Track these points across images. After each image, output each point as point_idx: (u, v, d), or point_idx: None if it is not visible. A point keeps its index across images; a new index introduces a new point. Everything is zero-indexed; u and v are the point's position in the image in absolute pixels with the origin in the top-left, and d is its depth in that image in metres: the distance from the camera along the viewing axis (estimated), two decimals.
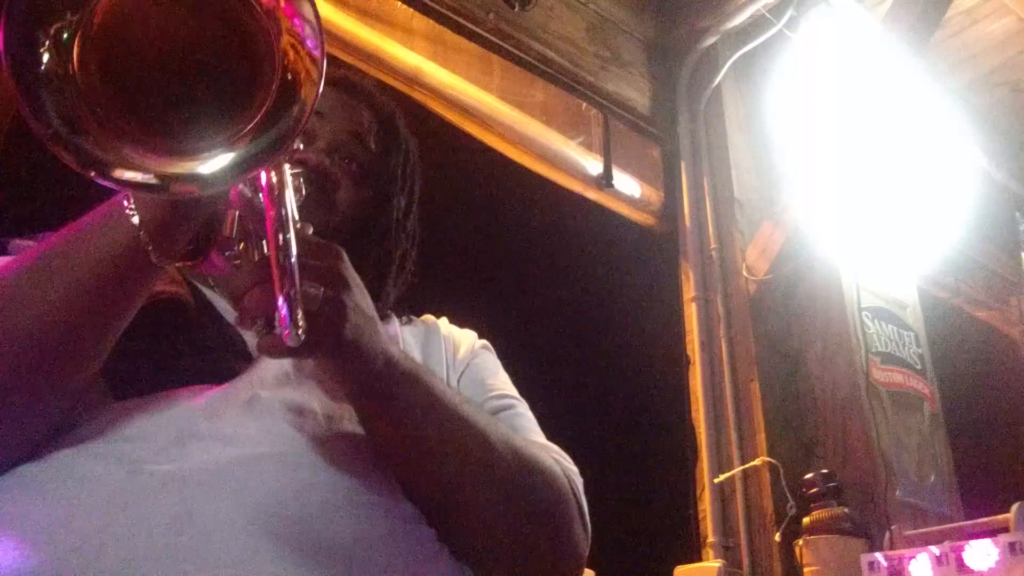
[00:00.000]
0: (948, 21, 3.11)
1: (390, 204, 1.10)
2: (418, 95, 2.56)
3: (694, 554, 2.61)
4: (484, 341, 1.12)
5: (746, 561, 2.47)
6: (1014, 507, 1.97)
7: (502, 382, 1.07)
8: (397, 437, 0.82)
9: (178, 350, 0.83)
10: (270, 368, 0.85)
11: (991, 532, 1.97)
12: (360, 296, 0.77)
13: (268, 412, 0.80)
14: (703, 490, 2.65)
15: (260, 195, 0.71)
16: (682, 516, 2.71)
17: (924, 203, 3.14)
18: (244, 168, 0.63)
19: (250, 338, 0.87)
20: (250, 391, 0.81)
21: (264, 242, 0.72)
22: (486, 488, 0.84)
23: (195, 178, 0.62)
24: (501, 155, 2.79)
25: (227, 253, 0.77)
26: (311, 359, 0.77)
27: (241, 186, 0.71)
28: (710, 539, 2.56)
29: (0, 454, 0.73)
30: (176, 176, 0.62)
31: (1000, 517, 2.00)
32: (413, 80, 2.55)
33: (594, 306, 3.29)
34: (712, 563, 2.48)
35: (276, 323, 0.69)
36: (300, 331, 0.67)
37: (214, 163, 0.62)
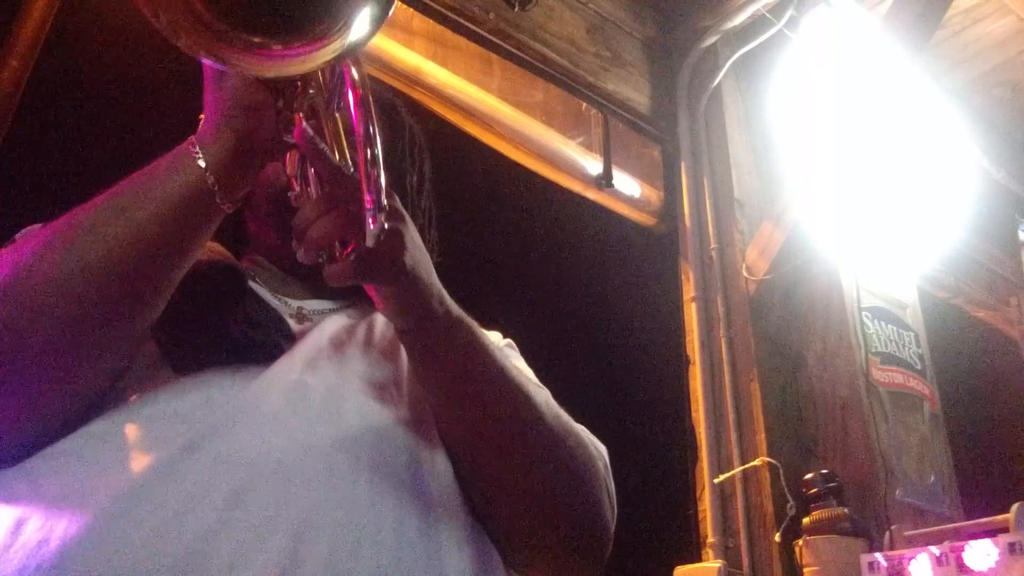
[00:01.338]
0: (948, 21, 3.11)
1: (403, 183, 1.11)
2: (418, 95, 2.56)
3: (694, 554, 2.61)
4: (509, 340, 1.13)
5: (746, 561, 2.47)
6: (1014, 507, 1.97)
7: (531, 374, 1.07)
8: (447, 378, 0.83)
9: (231, 317, 0.85)
10: (312, 350, 0.87)
11: (991, 532, 1.97)
12: (415, 233, 0.80)
13: (314, 393, 0.81)
14: (703, 490, 2.65)
15: (343, 116, 0.73)
16: (682, 516, 2.71)
17: (924, 203, 3.14)
18: (385, 14, 0.67)
19: (293, 323, 0.91)
20: (296, 373, 0.83)
21: (322, 182, 0.76)
22: (528, 443, 0.84)
23: (347, 49, 0.67)
24: (501, 155, 2.79)
25: (289, 193, 0.80)
26: (374, 283, 0.78)
27: (304, 125, 0.74)
28: (710, 539, 2.56)
29: (61, 403, 0.74)
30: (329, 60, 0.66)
31: (1000, 517, 2.00)
32: (413, 80, 2.55)
33: (594, 306, 3.29)
34: (712, 563, 2.48)
35: (339, 252, 0.72)
36: (384, 218, 0.70)
37: (355, 31, 0.66)
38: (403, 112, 1.17)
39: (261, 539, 0.66)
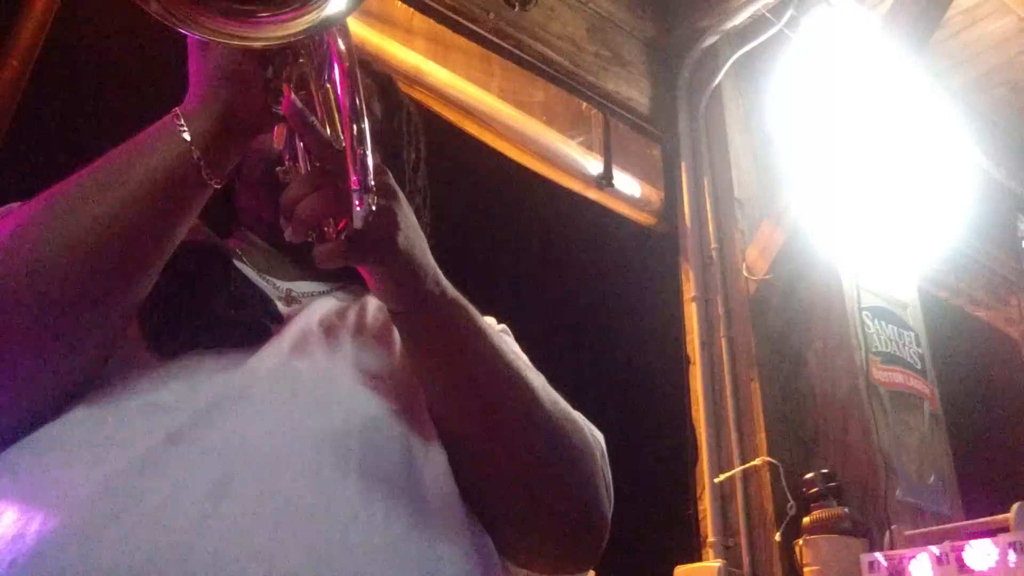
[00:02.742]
0: (948, 21, 3.11)
1: (400, 161, 1.08)
2: (418, 94, 2.56)
3: (694, 554, 2.61)
4: (504, 326, 1.10)
5: (746, 561, 2.47)
6: (1014, 507, 1.97)
7: (526, 359, 1.06)
8: (442, 361, 0.81)
9: (215, 297, 0.83)
10: (301, 334, 0.84)
11: (991, 532, 1.97)
12: (409, 211, 0.77)
13: (303, 380, 0.79)
14: (703, 490, 2.65)
15: (330, 92, 0.70)
16: (682, 516, 2.71)
17: (924, 203, 3.14)
18: None
19: (281, 306, 0.89)
20: (284, 358, 0.80)
21: (311, 157, 0.73)
22: (525, 428, 0.81)
23: (321, 23, 0.64)
24: (501, 155, 2.79)
25: (277, 168, 0.77)
26: (366, 264, 0.76)
27: (293, 96, 0.71)
28: (710, 539, 2.56)
29: (43, 390, 0.72)
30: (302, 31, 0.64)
31: (1000, 517, 2.00)
32: (413, 79, 2.55)
33: (594, 306, 3.28)
34: (712, 563, 2.48)
35: (329, 230, 0.70)
36: (372, 200, 0.67)
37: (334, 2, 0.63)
38: (400, 91, 1.15)
39: (245, 531, 0.64)
